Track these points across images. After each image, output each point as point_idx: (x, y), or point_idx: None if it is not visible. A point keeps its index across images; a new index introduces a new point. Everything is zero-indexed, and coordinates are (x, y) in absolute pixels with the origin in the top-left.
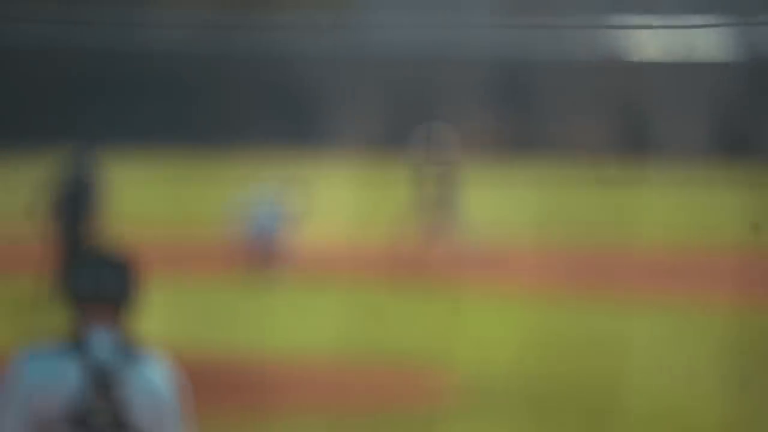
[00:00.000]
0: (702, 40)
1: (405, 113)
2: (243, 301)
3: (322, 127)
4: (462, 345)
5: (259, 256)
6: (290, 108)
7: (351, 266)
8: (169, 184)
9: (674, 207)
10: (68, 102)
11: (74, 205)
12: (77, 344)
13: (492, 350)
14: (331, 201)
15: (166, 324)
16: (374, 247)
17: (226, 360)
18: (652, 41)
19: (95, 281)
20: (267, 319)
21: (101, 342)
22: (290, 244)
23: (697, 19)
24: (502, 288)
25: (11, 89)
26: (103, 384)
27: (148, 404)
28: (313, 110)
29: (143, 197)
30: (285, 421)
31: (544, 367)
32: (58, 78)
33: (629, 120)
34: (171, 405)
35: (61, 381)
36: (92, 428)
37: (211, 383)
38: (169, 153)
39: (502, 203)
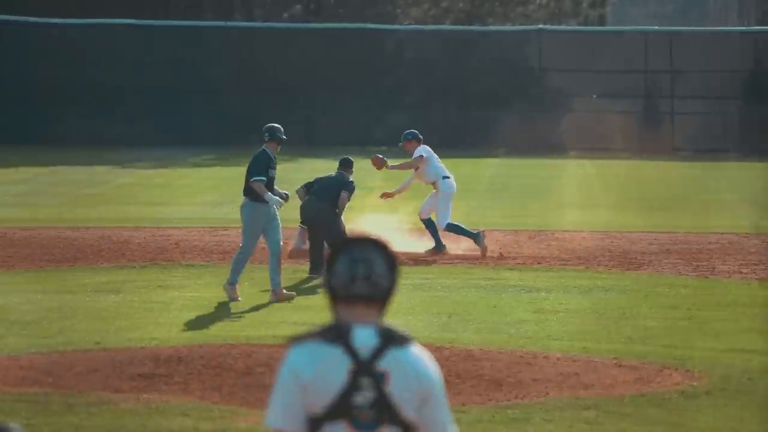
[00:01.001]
0: None
1: None
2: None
3: None
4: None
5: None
6: None
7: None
8: None
9: None
10: None
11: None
12: (343, 338)
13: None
14: None
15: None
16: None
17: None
18: None
19: (362, 280)
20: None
21: (366, 335)
22: None
23: None
24: None
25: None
26: (370, 378)
27: (415, 394)
28: None
29: None
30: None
31: None
32: None
33: None
34: (438, 391)
35: (331, 376)
36: (358, 423)
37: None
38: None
39: None
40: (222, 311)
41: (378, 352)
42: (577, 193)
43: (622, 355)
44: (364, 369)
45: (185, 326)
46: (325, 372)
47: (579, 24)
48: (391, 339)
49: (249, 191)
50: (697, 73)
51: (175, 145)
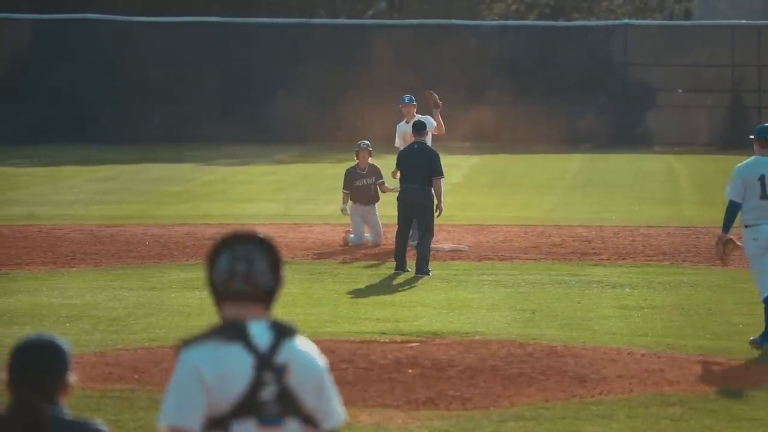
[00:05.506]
0: None
1: None
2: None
3: None
4: None
5: None
6: None
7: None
8: None
9: None
10: None
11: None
12: (242, 335)
13: None
14: None
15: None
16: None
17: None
18: None
19: (241, 278)
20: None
21: (260, 330)
22: None
23: None
24: None
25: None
26: (272, 372)
27: (311, 384)
28: None
29: None
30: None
31: None
32: None
33: None
34: (327, 380)
35: (235, 374)
36: (263, 418)
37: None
38: None
39: None
40: (304, 307)
41: (275, 346)
42: (662, 189)
43: (708, 351)
44: (266, 364)
45: None
46: (229, 371)
47: (664, 18)
48: (283, 332)
49: None
50: None
51: (259, 141)
